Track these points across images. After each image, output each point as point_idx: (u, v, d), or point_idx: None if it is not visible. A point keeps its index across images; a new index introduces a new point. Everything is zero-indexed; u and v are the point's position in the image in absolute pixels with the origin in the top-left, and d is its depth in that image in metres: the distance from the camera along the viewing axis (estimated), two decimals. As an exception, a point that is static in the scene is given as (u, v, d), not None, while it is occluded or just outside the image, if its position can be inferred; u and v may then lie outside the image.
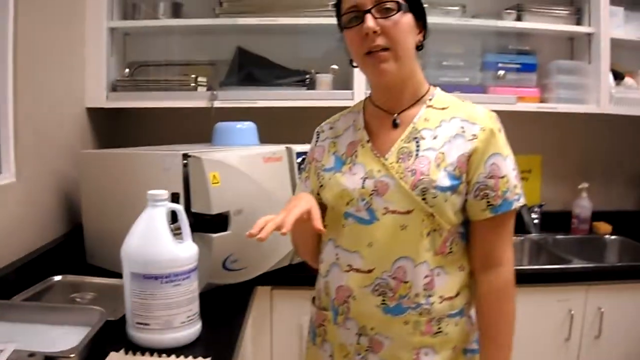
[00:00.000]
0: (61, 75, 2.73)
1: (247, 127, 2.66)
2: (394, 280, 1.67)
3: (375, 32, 1.61)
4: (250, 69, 3.25)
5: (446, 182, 1.63)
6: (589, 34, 3.32)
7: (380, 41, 1.62)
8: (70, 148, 2.76)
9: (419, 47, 1.73)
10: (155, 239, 1.71)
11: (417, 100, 1.75)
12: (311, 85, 3.22)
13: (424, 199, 1.63)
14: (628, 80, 3.40)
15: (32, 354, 1.45)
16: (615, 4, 3.28)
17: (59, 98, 2.71)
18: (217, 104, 3.04)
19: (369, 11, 1.62)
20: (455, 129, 1.69)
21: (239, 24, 3.12)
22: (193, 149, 2.26)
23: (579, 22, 3.38)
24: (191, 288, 1.75)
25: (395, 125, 1.74)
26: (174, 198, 2.03)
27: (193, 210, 2.13)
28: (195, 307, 1.78)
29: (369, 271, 1.69)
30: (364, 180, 1.70)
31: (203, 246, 1.98)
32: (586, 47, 3.36)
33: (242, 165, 2.22)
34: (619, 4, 3.31)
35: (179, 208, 1.80)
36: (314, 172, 1.88)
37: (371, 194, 1.68)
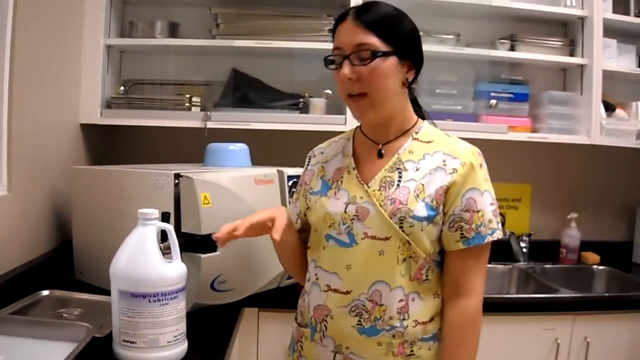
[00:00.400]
0: (57, 91, 2.74)
1: (240, 149, 2.67)
2: (370, 302, 1.72)
3: (350, 78, 1.68)
4: (244, 90, 3.27)
5: (423, 212, 1.69)
6: (581, 65, 3.35)
7: (356, 88, 1.70)
8: (63, 163, 2.77)
9: (410, 83, 1.79)
10: (144, 258, 1.71)
11: (404, 133, 1.82)
12: (304, 109, 3.24)
13: (401, 226, 1.69)
14: (619, 111, 3.43)
15: (17, 369, 1.45)
16: (608, 36, 3.32)
17: (54, 113, 2.71)
18: (210, 124, 3.05)
19: (347, 57, 1.68)
20: (437, 162, 1.75)
21: (235, 46, 3.14)
22: (185, 169, 2.27)
23: (572, 54, 3.42)
24: (178, 307, 1.75)
25: (380, 155, 1.82)
26: (165, 217, 2.03)
27: (183, 230, 2.13)
28: (182, 326, 1.78)
29: (347, 292, 1.74)
30: (347, 205, 1.77)
31: (192, 266, 1.99)
32: (578, 78, 3.40)
33: (233, 186, 2.23)
34: (612, 36, 3.35)
35: (169, 227, 1.81)
36: (303, 194, 1.94)
37: (352, 219, 1.75)
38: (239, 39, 3.15)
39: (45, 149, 2.61)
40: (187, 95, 3.17)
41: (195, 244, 2.12)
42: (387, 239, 1.70)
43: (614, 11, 3.33)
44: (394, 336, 1.72)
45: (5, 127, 2.24)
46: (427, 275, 1.75)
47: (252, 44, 3.12)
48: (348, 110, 2.99)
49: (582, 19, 3.34)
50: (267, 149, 2.99)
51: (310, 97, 3.23)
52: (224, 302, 2.28)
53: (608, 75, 3.32)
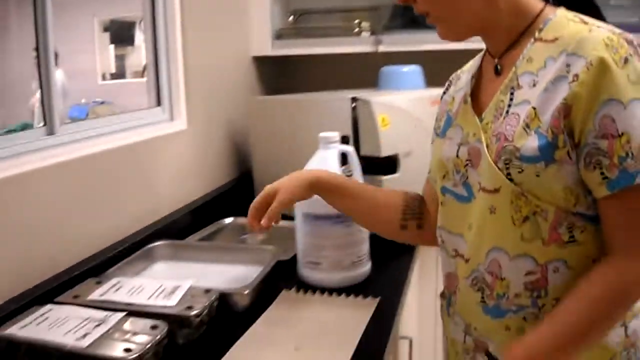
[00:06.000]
0: (227, 25, 2.78)
1: (413, 71, 2.63)
2: (489, 275, 1.27)
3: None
4: (413, 12, 3.19)
5: (534, 150, 1.15)
6: None
7: (419, 7, 1.31)
8: (238, 96, 2.82)
9: None
10: (326, 180, 1.71)
11: (523, 34, 1.27)
12: (479, 26, 3.12)
13: (508, 174, 1.19)
14: None
15: (207, 290, 1.50)
16: None
17: (226, 48, 2.77)
18: (381, 48, 3.00)
19: None
20: (559, 67, 1.17)
21: (403, -33, 3.06)
22: (360, 93, 2.25)
23: None
24: (362, 228, 1.74)
25: (497, 72, 1.32)
26: (344, 141, 2.02)
27: (362, 153, 2.13)
28: (365, 247, 1.78)
29: (467, 260, 1.32)
30: (459, 147, 1.33)
31: (373, 188, 1.98)
32: None
33: (410, 107, 2.20)
34: None
35: (350, 150, 1.80)
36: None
37: (466, 165, 1.31)
38: (406, -41, 3.07)
39: (221, 83, 2.66)
40: (357, 21, 3.13)
41: (375, 166, 2.12)
42: (496, 190, 1.22)
43: None
44: (524, 319, 1.23)
45: (181, 64, 2.31)
46: (571, 236, 1.19)
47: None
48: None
49: None
50: (440, 69, 2.91)
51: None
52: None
53: None
